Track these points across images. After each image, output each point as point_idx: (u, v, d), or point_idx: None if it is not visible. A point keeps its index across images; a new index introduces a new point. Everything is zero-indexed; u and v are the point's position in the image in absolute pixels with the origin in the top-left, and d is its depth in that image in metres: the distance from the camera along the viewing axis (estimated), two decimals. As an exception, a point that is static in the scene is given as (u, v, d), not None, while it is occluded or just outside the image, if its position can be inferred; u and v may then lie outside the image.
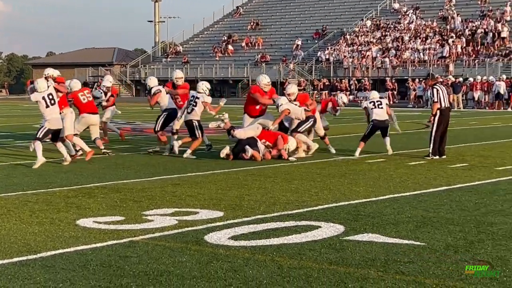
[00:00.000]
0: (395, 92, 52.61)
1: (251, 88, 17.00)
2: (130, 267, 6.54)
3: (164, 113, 16.74)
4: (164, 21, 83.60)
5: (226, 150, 15.22)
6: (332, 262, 6.68)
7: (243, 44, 70.77)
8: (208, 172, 13.33)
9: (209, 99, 15.94)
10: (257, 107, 16.05)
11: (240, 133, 15.51)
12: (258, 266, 6.52)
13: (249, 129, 15.70)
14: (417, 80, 47.43)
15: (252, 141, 15.24)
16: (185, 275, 6.27)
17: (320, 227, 8.22)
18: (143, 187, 11.34)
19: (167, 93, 16.93)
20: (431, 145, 15.33)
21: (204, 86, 16.21)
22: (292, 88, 16.21)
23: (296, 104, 15.71)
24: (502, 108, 42.27)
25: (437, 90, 15.29)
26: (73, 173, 13.24)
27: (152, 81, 17.17)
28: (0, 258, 6.90)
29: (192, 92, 16.22)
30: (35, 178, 12.52)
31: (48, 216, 8.99)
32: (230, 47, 70.80)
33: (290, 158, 15.11)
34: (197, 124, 15.89)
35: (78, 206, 9.70)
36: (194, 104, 15.86)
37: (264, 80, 16.14)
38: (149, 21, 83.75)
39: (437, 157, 15.18)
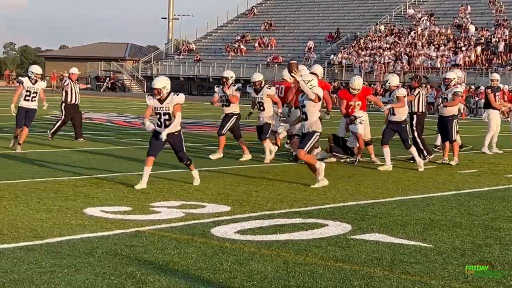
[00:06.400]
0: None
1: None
2: (135, 256, 6.54)
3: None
4: (177, 19, 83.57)
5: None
6: (338, 259, 6.66)
7: (256, 44, 70.75)
8: (217, 168, 13.31)
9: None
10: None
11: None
12: (263, 261, 6.50)
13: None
14: (428, 87, 47.24)
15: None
16: (190, 266, 6.26)
17: (327, 225, 8.20)
18: (151, 180, 11.31)
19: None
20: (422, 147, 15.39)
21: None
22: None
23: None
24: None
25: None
26: (83, 163, 13.27)
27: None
28: (7, 242, 6.92)
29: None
30: (44, 167, 12.55)
31: (55, 203, 9.01)
32: (243, 46, 70.81)
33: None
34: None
35: (86, 195, 9.72)
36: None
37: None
38: (163, 18, 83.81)
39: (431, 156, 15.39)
